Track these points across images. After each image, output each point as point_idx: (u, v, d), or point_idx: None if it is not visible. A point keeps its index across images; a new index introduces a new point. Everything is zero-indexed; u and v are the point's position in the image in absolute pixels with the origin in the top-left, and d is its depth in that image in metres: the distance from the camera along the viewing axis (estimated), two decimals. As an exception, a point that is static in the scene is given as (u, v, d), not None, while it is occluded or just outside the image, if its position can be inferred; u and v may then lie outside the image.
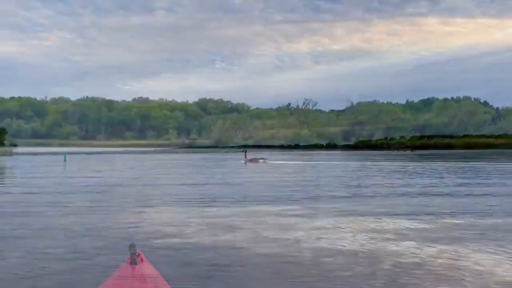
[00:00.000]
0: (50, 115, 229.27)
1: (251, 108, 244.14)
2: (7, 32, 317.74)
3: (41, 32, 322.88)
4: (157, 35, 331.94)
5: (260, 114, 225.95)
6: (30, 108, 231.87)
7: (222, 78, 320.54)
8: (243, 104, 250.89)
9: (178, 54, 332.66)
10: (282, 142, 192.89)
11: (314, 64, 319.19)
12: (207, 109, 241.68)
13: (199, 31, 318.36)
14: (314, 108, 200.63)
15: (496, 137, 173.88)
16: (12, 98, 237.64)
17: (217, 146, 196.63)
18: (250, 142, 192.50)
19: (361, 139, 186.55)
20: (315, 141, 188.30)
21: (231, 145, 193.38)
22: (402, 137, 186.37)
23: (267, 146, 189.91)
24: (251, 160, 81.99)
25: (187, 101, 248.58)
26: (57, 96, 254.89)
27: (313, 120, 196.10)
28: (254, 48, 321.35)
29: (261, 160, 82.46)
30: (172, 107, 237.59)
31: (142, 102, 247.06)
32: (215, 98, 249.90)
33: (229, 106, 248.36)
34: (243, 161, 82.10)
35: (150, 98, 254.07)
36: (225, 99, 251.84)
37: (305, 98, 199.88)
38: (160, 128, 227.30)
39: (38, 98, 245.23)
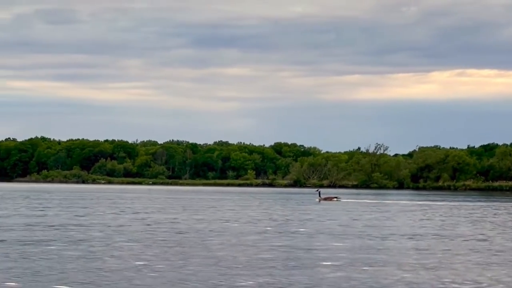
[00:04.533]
0: (140, 156, 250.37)
1: (322, 152, 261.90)
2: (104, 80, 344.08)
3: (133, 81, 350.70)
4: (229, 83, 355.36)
5: (331, 157, 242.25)
6: (123, 150, 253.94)
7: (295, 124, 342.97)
8: (314, 148, 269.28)
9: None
10: (354, 183, 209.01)
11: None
12: (282, 152, 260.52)
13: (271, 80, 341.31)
14: (384, 152, 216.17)
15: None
16: (106, 140, 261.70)
17: (295, 185, 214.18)
18: (324, 183, 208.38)
19: (428, 181, 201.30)
20: (384, 182, 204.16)
21: (308, 185, 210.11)
22: (467, 179, 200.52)
23: (340, 186, 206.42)
24: (326, 199, 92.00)
25: (263, 145, 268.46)
26: (146, 139, 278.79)
27: (384, 163, 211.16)
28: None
29: (335, 199, 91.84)
30: (250, 149, 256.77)
31: (222, 145, 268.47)
32: (289, 142, 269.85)
33: (302, 149, 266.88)
34: (317, 200, 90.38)
35: (230, 141, 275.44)
36: (298, 143, 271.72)
37: (376, 143, 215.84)
38: (240, 168, 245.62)
39: (130, 141, 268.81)
